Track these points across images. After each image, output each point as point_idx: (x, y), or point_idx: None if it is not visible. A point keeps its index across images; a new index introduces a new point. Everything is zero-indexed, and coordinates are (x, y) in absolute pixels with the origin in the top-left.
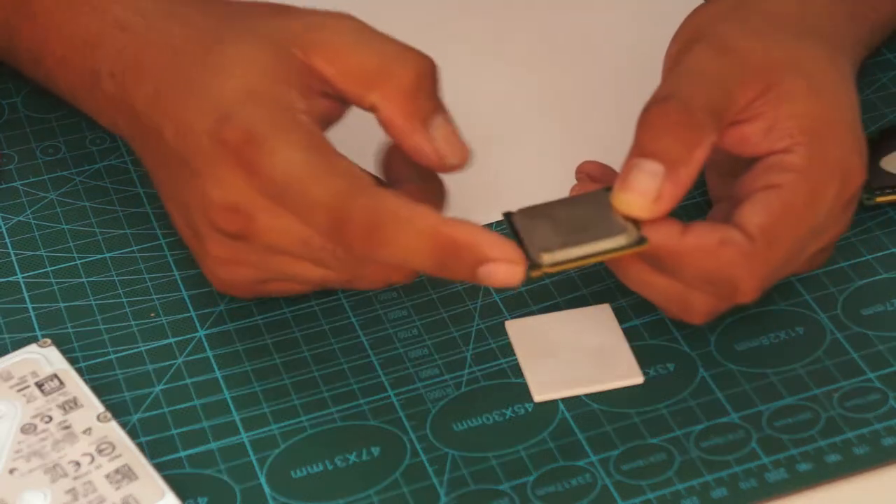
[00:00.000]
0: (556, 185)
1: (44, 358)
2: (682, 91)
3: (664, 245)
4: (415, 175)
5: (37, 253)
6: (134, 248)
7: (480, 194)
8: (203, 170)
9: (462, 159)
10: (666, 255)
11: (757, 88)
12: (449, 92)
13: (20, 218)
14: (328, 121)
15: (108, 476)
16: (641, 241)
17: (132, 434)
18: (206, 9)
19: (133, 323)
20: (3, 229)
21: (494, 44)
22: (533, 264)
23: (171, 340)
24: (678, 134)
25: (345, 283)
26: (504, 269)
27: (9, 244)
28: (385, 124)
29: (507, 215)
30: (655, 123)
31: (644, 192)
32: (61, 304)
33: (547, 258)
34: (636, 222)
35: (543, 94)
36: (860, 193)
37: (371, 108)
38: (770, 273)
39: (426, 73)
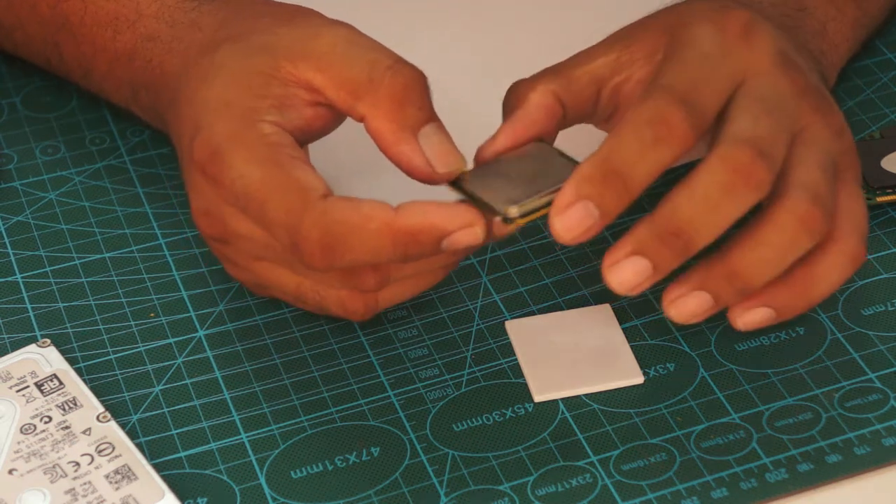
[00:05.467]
0: None
1: (43, 358)
2: None
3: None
4: None
5: (36, 253)
6: (133, 248)
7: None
8: (187, 177)
9: (454, 168)
10: None
11: (604, 50)
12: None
13: (19, 218)
14: (321, 130)
15: (107, 476)
16: None
17: (132, 434)
18: (223, 15)
19: (132, 323)
20: (3, 229)
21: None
22: (505, 219)
23: (171, 340)
24: (508, 95)
25: (318, 302)
26: (463, 235)
27: (8, 244)
28: (373, 134)
29: (455, 182)
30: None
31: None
32: (60, 305)
33: (515, 210)
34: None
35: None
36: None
37: (360, 119)
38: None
39: (415, 85)
